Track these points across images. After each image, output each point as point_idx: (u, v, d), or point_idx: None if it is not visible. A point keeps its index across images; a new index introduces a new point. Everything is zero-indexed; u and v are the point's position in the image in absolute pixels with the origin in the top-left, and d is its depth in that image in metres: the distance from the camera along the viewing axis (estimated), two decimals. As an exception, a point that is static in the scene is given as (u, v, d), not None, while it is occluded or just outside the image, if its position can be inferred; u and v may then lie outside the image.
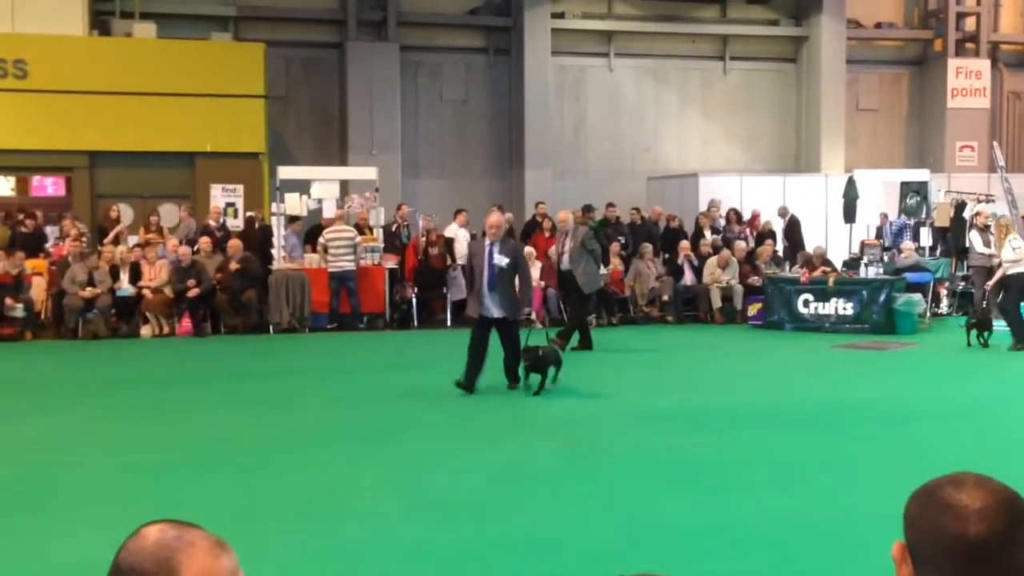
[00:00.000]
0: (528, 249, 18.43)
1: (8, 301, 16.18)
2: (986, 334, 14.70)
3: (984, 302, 16.47)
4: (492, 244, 11.22)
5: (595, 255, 15.11)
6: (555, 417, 9.99)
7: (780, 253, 20.13)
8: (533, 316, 11.39)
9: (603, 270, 18.65)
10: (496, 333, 11.24)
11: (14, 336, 16.21)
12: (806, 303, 17.50)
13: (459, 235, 19.14)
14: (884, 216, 21.57)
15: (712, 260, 18.99)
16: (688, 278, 19.01)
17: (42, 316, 17.00)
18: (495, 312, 11.12)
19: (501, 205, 21.01)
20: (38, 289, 17.02)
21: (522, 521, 6.54)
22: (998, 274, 15.15)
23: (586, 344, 14.79)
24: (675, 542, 6.05)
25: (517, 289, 11.41)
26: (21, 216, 18.78)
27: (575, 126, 25.43)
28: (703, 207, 21.31)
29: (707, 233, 20.11)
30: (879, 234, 20.89)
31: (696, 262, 19.13)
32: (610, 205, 20.82)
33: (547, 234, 19.58)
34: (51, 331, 16.79)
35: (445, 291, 18.51)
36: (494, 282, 11.07)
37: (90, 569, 5.18)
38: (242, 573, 1.85)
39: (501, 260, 11.07)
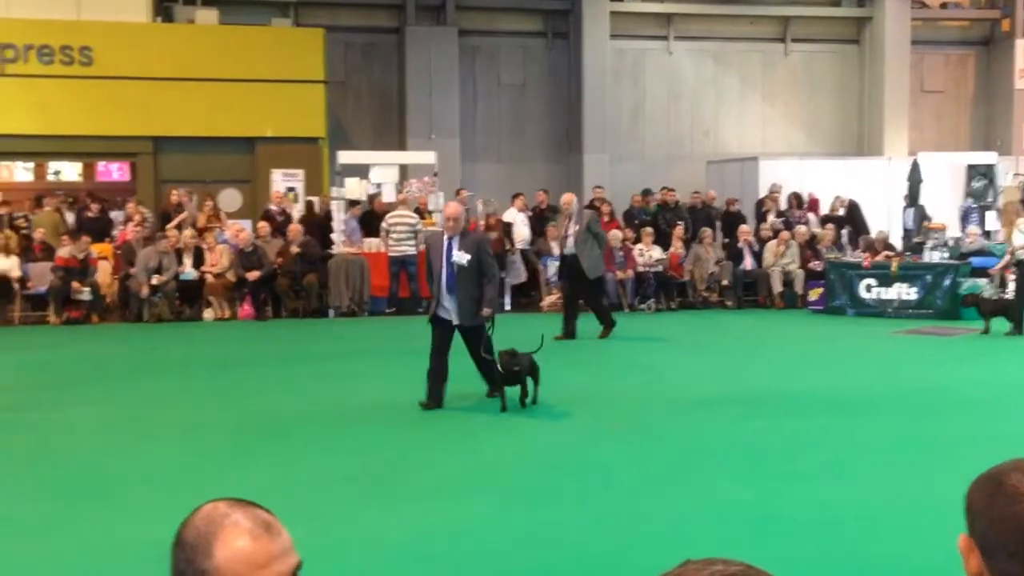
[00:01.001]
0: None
1: (75, 285, 16.50)
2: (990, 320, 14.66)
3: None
4: (451, 239, 9.69)
5: (600, 239, 14.59)
6: (611, 401, 9.97)
7: (845, 239, 19.88)
8: (489, 317, 9.74)
9: (663, 254, 18.59)
10: (461, 340, 9.92)
11: (81, 319, 16.54)
12: (868, 288, 17.28)
13: (517, 219, 19.16)
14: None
15: (772, 244, 18.82)
16: (748, 262, 18.86)
17: (108, 299, 17.31)
18: (454, 317, 9.69)
19: (546, 189, 21.07)
20: (104, 273, 17.32)
21: (579, 504, 6.54)
22: (1006, 259, 15.01)
23: (570, 333, 14.21)
24: (733, 527, 6.02)
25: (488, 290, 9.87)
26: (88, 201, 19.12)
27: (633, 110, 25.29)
28: (763, 191, 21.11)
29: (771, 217, 19.93)
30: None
31: (756, 247, 18.97)
32: (669, 189, 20.69)
33: (606, 219, 19.53)
34: (117, 314, 17.11)
35: (504, 275, 18.53)
36: (453, 282, 9.61)
37: (154, 548, 5.29)
38: (295, 556, 1.85)
39: (461, 257, 9.55)
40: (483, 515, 6.38)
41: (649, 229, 18.97)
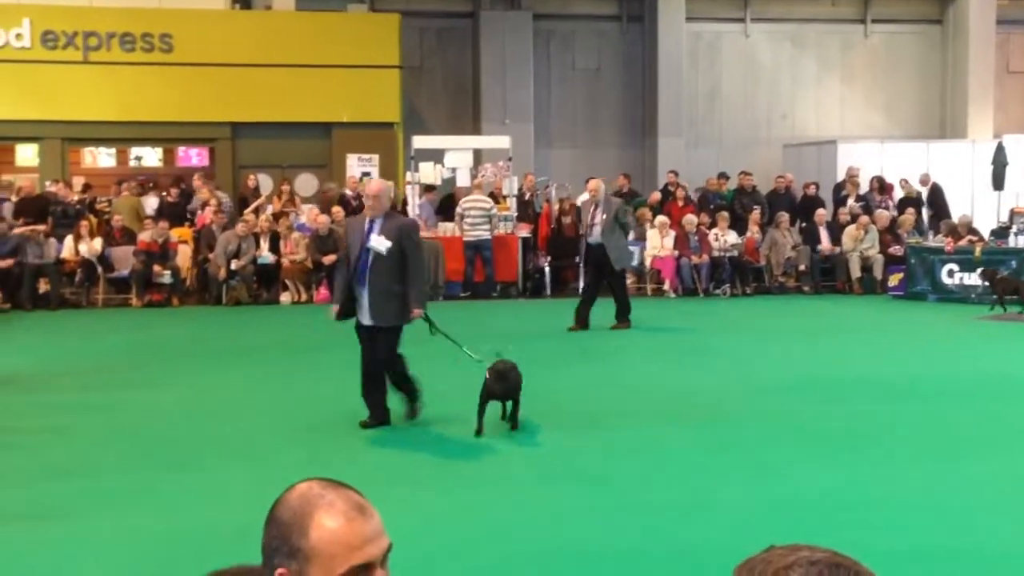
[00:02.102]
0: (662, 218, 18.33)
1: (156, 268, 16.81)
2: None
3: None
4: (372, 221, 8.24)
5: (627, 228, 14.02)
6: (689, 387, 9.90)
7: (925, 222, 19.51)
8: (429, 319, 8.36)
9: (739, 239, 18.38)
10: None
11: (162, 302, 16.85)
12: (951, 273, 16.93)
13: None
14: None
15: (851, 228, 18.53)
16: (826, 247, 18.58)
17: (188, 283, 17.61)
18: (365, 316, 8.20)
19: (627, 173, 20.96)
20: (184, 257, 17.62)
21: (657, 490, 6.52)
22: None
23: (584, 324, 13.52)
24: (814, 513, 5.95)
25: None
26: (171, 187, 19.46)
27: (709, 93, 25.03)
28: (841, 175, 20.79)
29: (850, 201, 19.61)
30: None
31: (836, 245, 18.59)
32: (746, 173, 20.47)
33: (680, 203, 19.41)
34: (196, 297, 17.40)
35: (578, 260, 18.48)
36: (366, 274, 8.12)
37: (234, 524, 5.38)
38: (386, 539, 1.87)
39: (380, 243, 8.05)
40: (560, 499, 6.38)
41: (725, 213, 18.79)
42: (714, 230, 18.43)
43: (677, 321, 14.73)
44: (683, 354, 12.01)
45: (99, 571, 5.30)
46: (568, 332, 13.43)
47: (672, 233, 18.15)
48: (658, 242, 18.05)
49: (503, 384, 7.93)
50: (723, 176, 20.73)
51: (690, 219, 18.31)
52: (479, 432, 7.92)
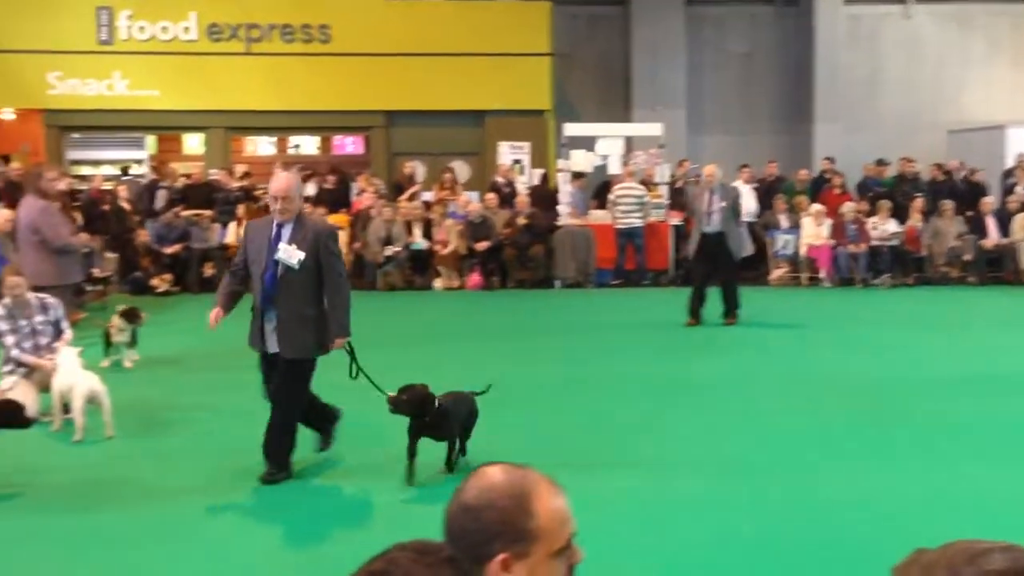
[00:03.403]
0: (817, 207, 17.87)
1: (314, 253, 17.25)
2: None
3: None
4: (280, 226, 6.69)
5: (738, 216, 13.49)
6: (847, 380, 9.66)
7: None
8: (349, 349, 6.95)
9: (899, 227, 17.80)
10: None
11: (319, 286, 17.27)
12: None
13: (744, 191, 18.73)
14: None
15: (1020, 216, 17.74)
16: (994, 236, 17.83)
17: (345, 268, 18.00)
18: (271, 344, 6.72)
19: (774, 160, 20.41)
20: (340, 242, 17.98)
21: (807, 482, 6.39)
22: None
23: (699, 318, 13.13)
24: (976, 513, 5.74)
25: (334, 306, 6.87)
26: (325, 174, 19.92)
27: (868, 78, 24.25)
28: (1011, 162, 19.91)
29: (1018, 188, 18.76)
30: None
31: (1005, 234, 17.82)
32: (908, 160, 19.78)
33: (837, 191, 18.91)
34: (352, 282, 17.72)
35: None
36: (273, 291, 6.64)
37: (397, 505, 5.44)
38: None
39: (290, 254, 6.58)
40: (702, 488, 6.31)
41: (886, 202, 18.20)
42: (872, 219, 17.89)
43: (832, 311, 14.39)
44: (844, 346, 11.69)
45: (270, 543, 5.46)
46: (687, 327, 12.94)
47: (828, 221, 17.71)
48: (813, 230, 17.63)
49: (403, 409, 6.56)
50: (882, 162, 20.12)
51: (848, 207, 17.83)
52: (410, 478, 6.49)
